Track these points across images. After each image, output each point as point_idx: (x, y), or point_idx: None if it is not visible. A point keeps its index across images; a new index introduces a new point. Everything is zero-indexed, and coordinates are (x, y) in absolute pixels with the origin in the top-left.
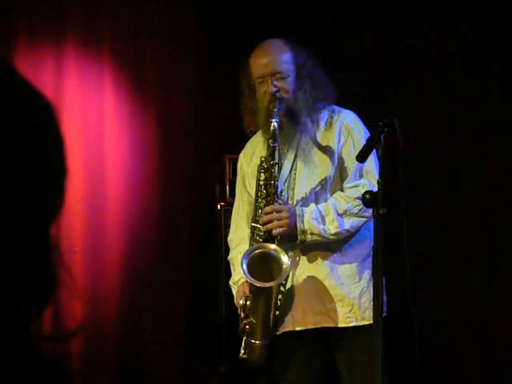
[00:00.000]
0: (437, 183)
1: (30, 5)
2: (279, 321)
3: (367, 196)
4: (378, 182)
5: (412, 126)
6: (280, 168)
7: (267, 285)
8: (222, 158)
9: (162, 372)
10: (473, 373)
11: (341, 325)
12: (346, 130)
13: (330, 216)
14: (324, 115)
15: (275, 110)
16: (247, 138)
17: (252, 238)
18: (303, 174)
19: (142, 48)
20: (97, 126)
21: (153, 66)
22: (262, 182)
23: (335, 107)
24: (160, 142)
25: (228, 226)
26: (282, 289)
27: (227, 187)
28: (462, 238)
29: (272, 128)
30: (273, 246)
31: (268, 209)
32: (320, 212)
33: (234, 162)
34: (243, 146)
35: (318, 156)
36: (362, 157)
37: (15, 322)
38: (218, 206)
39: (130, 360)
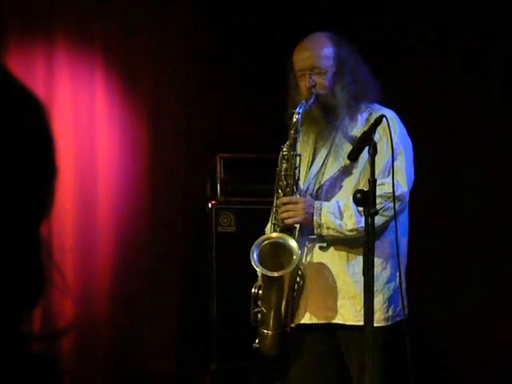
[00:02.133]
0: (437, 183)
1: (21, 5)
2: (294, 313)
3: (358, 195)
4: (369, 181)
5: (412, 125)
6: (301, 160)
7: (275, 274)
8: (213, 156)
9: (154, 371)
10: (473, 373)
11: (349, 323)
12: (381, 127)
13: (348, 212)
14: (364, 114)
15: (302, 103)
16: (238, 138)
17: (273, 228)
18: (332, 170)
19: (133, 48)
20: (88, 126)
21: (144, 66)
22: (282, 173)
23: (376, 106)
24: (151, 140)
25: (219, 224)
26: (298, 279)
27: (218, 186)
28: (462, 238)
29: (294, 119)
30: (275, 235)
31: (284, 199)
32: (339, 207)
33: (226, 160)
34: (234, 145)
35: (349, 152)
36: (353, 155)
37: (5, 320)
38: (209, 205)
39: (123, 358)
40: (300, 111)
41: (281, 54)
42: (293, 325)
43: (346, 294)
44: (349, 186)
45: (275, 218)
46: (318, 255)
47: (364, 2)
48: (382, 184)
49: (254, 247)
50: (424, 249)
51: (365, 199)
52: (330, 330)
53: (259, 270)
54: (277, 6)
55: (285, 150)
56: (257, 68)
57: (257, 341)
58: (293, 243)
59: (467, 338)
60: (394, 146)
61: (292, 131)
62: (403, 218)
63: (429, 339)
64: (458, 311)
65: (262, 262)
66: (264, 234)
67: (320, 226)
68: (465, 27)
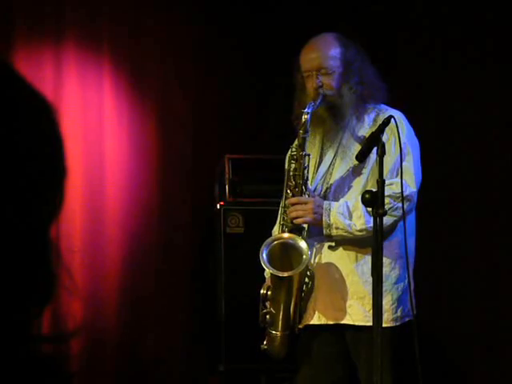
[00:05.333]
0: (437, 183)
1: (29, 4)
2: (302, 313)
3: (366, 195)
4: (377, 181)
5: (412, 125)
6: (309, 159)
7: (285, 274)
8: (221, 157)
9: (162, 372)
10: (473, 373)
11: (358, 323)
12: (389, 128)
13: (357, 212)
14: (371, 114)
15: (311, 103)
16: (246, 138)
17: (281, 229)
18: (340, 170)
19: (141, 48)
20: (96, 126)
21: (152, 66)
22: (291, 173)
23: (383, 106)
24: (159, 141)
25: (227, 225)
26: (306, 280)
27: (227, 187)
28: (462, 238)
29: (303, 119)
30: (286, 235)
31: (293, 200)
32: (348, 207)
33: (234, 161)
34: (242, 146)
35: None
36: (361, 156)
37: (15, 322)
38: (218, 206)
39: (131, 359)
40: (309, 111)
41: (288, 53)
42: (301, 326)
43: (355, 294)
44: (357, 186)
45: (284, 218)
46: (326, 255)
47: (364, 3)
48: (391, 184)
49: (263, 247)
50: (424, 248)
51: (373, 200)
52: (339, 331)
53: (268, 270)
54: (277, 6)
55: (294, 149)
56: (265, 68)
57: (265, 342)
58: (303, 244)
59: (472, 338)
60: (402, 146)
61: (301, 131)
62: (411, 218)
63: (430, 339)
64: (459, 311)
65: (271, 262)
66: (271, 235)
67: (329, 226)
68: (465, 27)
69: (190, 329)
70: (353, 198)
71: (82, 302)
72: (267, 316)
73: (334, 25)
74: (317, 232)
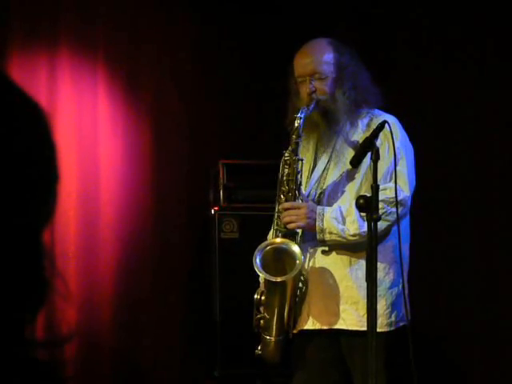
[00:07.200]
0: (437, 183)
1: (24, 10)
2: (296, 318)
3: (360, 201)
4: (371, 186)
5: (412, 126)
6: (303, 164)
7: (278, 279)
8: (216, 162)
9: (157, 377)
10: (473, 373)
11: (352, 328)
12: (383, 133)
13: (350, 217)
14: (365, 119)
15: (304, 108)
16: (244, 141)
17: (275, 234)
18: (334, 175)
19: (136, 50)
20: (91, 132)
21: (147, 71)
22: (284, 178)
23: (377, 111)
24: (154, 146)
25: (222, 230)
26: (300, 285)
27: (221, 192)
28: (462, 238)
29: (296, 124)
30: (279, 240)
31: (287, 205)
32: (341, 212)
33: (228, 166)
34: (237, 151)
35: (351, 158)
36: (355, 161)
37: (8, 327)
38: (212, 211)
39: (126, 364)
40: (302, 116)
41: (287, 54)
42: (295, 331)
43: (349, 299)
44: (351, 191)
45: (277, 223)
46: (320, 260)
47: (363, 5)
48: (384, 189)
49: (256, 252)
50: (423, 249)
51: (367, 205)
52: (333, 336)
53: (262, 275)
54: (276, 6)
55: (287, 155)
56: (261, 73)
57: (259, 347)
58: (296, 248)
59: (472, 338)
60: (396, 151)
61: (294, 136)
62: (405, 223)
63: (430, 339)
64: (460, 311)
65: (264, 268)
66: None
67: (322, 231)
68: (464, 26)
69: (186, 330)
70: (346, 202)
71: (78, 307)
72: (261, 321)
73: (333, 25)
74: (310, 237)
